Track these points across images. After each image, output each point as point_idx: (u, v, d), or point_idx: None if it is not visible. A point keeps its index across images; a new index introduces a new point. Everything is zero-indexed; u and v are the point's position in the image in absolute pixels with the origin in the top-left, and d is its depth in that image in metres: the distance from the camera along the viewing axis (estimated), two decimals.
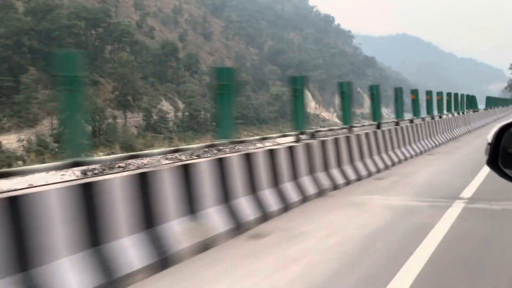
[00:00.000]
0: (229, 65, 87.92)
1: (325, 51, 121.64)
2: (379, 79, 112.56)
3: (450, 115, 17.40)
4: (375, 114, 9.89)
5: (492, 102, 36.10)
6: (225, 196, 4.87)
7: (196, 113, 51.66)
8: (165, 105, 55.60)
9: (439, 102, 16.75)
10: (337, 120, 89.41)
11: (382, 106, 12.29)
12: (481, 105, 32.72)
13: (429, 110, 14.90)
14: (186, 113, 51.17)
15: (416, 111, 13.29)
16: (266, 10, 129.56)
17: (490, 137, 1.26)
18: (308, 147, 6.61)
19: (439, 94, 16.90)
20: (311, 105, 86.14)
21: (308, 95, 65.59)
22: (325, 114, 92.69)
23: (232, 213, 4.82)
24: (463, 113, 20.85)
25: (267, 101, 76.31)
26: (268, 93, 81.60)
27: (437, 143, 13.49)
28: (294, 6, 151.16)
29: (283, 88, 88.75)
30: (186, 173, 4.44)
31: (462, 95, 22.33)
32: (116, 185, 3.70)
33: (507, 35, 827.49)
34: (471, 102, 25.10)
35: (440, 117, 15.70)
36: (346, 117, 8.76)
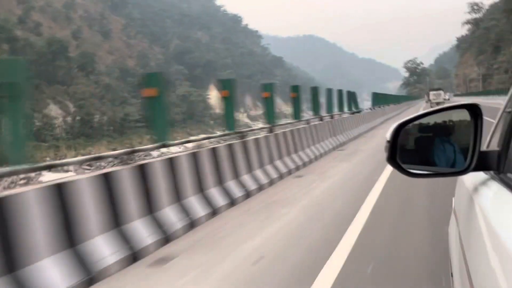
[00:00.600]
0: (131, 64, 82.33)
1: (234, 50, 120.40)
2: (287, 79, 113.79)
3: (302, 125, 10.65)
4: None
5: (380, 99, 29.15)
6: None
7: (89, 117, 46.24)
8: (54, 109, 49.26)
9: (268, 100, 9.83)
10: (247, 120, 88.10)
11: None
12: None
13: (230, 125, 7.35)
14: (77, 118, 45.57)
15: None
16: (171, 8, 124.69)
17: (388, 135, 1.35)
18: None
19: (267, 86, 9.53)
20: (222, 106, 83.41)
21: (217, 95, 63.00)
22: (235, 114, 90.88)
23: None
24: (332, 117, 13.94)
25: (173, 102, 72.22)
26: (175, 94, 77.54)
27: (250, 188, 6.75)
28: (201, 5, 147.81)
29: (191, 88, 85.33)
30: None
31: (329, 91, 15.27)
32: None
33: (401, 38, 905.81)
34: (351, 101, 18.33)
35: (271, 130, 8.65)
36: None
